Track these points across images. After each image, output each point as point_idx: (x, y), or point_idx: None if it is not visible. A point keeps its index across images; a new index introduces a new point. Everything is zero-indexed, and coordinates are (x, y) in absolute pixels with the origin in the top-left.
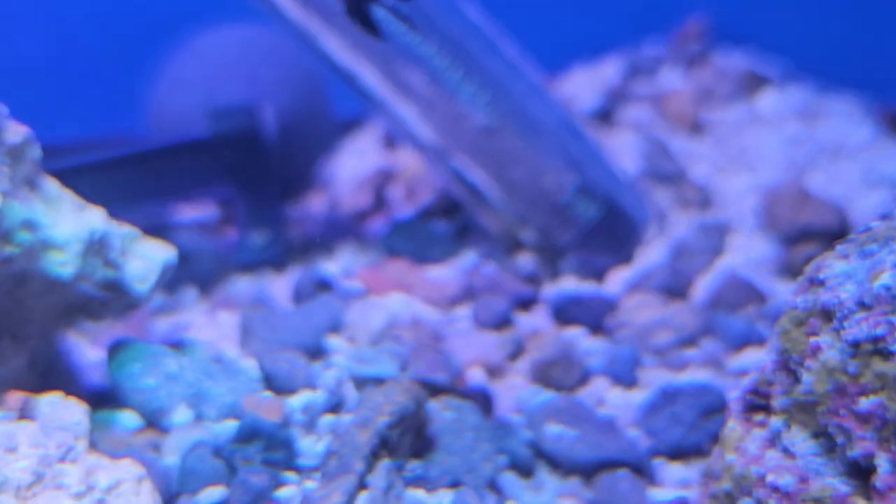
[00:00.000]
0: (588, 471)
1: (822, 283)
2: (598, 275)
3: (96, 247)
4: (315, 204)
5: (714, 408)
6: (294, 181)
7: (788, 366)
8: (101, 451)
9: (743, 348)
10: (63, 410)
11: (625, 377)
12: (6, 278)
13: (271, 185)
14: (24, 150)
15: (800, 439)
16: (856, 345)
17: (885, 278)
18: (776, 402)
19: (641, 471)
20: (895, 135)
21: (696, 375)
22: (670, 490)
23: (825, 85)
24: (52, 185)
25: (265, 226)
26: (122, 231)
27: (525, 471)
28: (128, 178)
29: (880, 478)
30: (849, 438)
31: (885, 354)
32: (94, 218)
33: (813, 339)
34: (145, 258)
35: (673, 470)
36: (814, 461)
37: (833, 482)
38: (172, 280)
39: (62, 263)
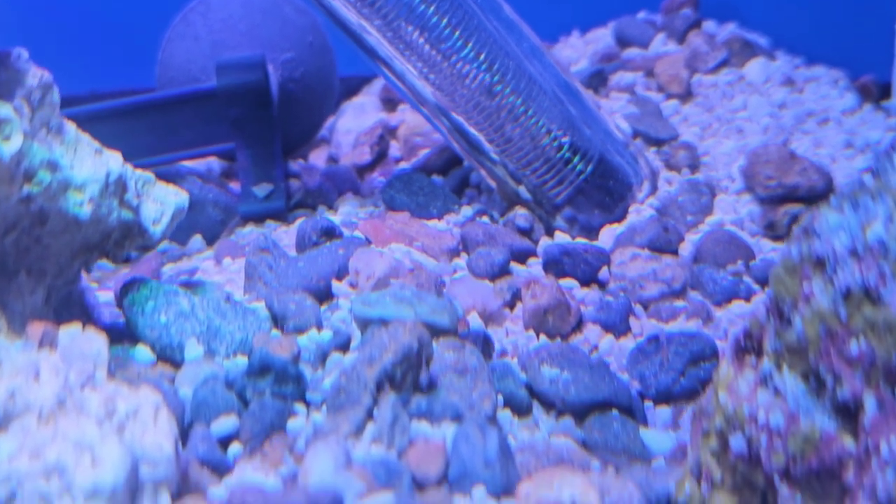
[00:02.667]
0: (581, 411)
1: (815, 233)
2: (592, 230)
3: (113, 188)
4: (317, 159)
5: (703, 355)
6: (297, 137)
7: (781, 311)
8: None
9: (730, 301)
10: (83, 341)
11: (617, 326)
12: (26, 216)
13: (275, 139)
14: (44, 93)
15: (790, 380)
16: (847, 291)
17: (877, 229)
18: (768, 346)
19: (633, 412)
20: (874, 102)
21: (684, 326)
22: (660, 431)
23: (811, 56)
24: (70, 128)
25: (268, 178)
26: (137, 174)
27: (521, 410)
28: (133, 129)
29: (867, 417)
30: (838, 380)
31: (875, 301)
32: (112, 161)
33: (805, 286)
34: (159, 201)
35: (662, 413)
36: (803, 401)
37: (822, 421)
38: (179, 229)
39: (80, 203)
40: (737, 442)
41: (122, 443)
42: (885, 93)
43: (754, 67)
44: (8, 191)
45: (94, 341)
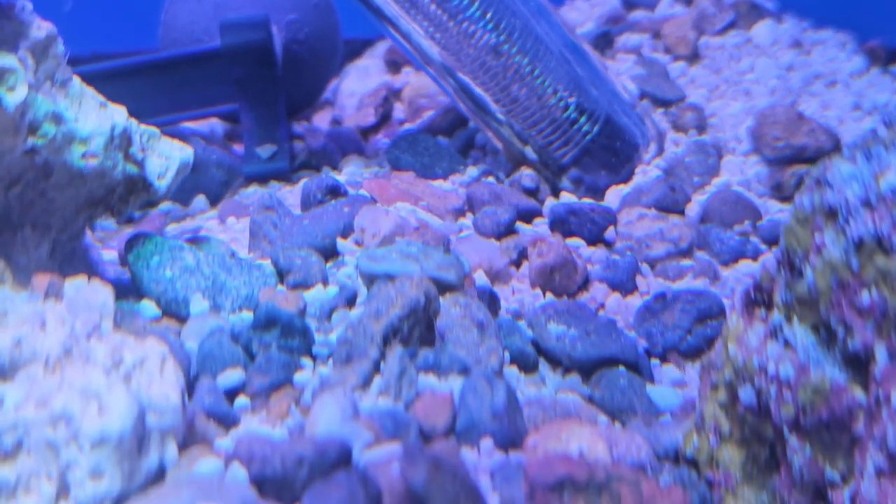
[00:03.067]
0: (588, 368)
1: (828, 183)
2: (598, 191)
3: (118, 142)
4: (321, 121)
5: (710, 313)
6: (301, 99)
7: (792, 263)
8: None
9: (736, 261)
10: (88, 292)
11: (623, 284)
12: (30, 169)
13: (279, 100)
14: (48, 45)
15: (801, 332)
16: (859, 242)
17: (890, 178)
18: (778, 298)
19: (639, 369)
20: (882, 66)
21: (691, 285)
22: (667, 388)
23: (819, 19)
24: (75, 81)
25: (272, 139)
26: (142, 129)
27: (527, 367)
28: (137, 90)
29: (878, 367)
30: (849, 331)
31: (888, 251)
32: (116, 114)
33: (817, 237)
34: (164, 156)
35: (669, 371)
36: (813, 352)
37: (832, 372)
38: (182, 190)
39: (85, 155)
40: (746, 394)
41: (129, 391)
42: (892, 57)
43: (762, 30)
44: (12, 142)
45: (100, 292)
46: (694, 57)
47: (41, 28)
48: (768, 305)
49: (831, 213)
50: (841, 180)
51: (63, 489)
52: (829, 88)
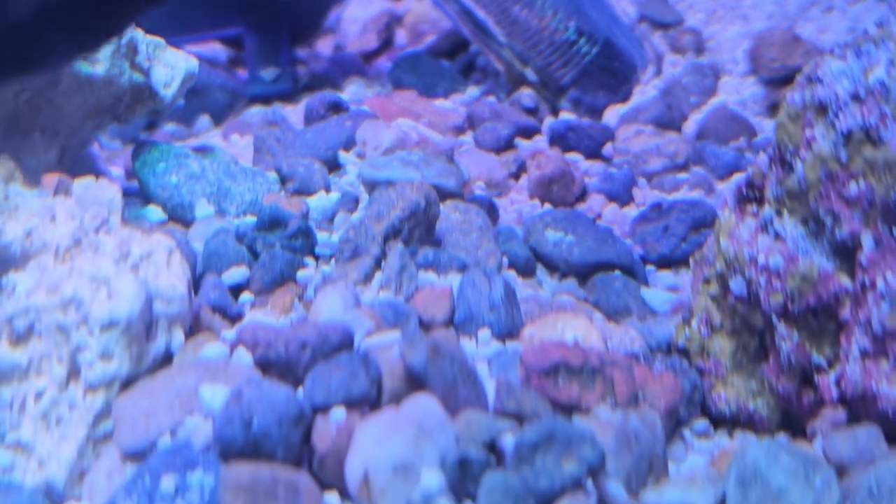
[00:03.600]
0: (584, 272)
1: (818, 80)
2: (596, 110)
3: (124, 50)
4: (324, 46)
5: (704, 221)
6: (304, 25)
7: (783, 158)
8: None
9: (731, 175)
10: (96, 189)
11: (620, 195)
12: (39, 75)
13: (282, 24)
14: None
15: (790, 225)
16: (848, 134)
17: (879, 73)
18: (769, 193)
19: (634, 274)
20: None
21: (687, 197)
22: (661, 291)
23: None
24: None
25: (275, 62)
26: (147, 39)
27: (525, 271)
28: (143, 13)
29: (865, 254)
30: (837, 220)
31: (876, 142)
32: None
33: (808, 132)
34: (170, 66)
35: (664, 276)
36: (802, 243)
37: (820, 261)
38: (186, 111)
39: (92, 63)
40: (737, 285)
41: (137, 278)
42: None
43: None
44: None
45: (108, 189)
46: None
47: None
48: (759, 201)
49: (822, 108)
50: (831, 76)
51: (74, 371)
52: (825, 14)
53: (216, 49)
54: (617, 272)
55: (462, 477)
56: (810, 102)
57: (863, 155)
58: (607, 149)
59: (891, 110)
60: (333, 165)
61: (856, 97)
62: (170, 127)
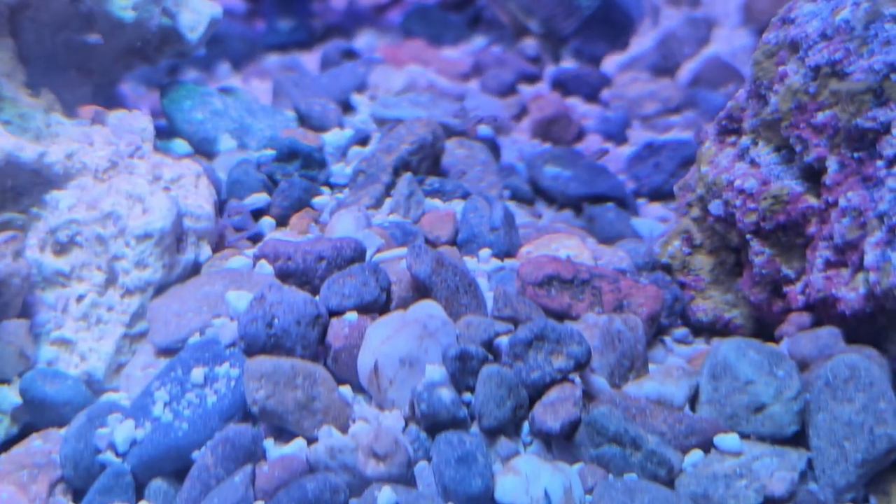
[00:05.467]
0: (580, 204)
1: (791, 21)
2: (596, 60)
3: None
4: (337, 1)
5: (692, 159)
6: None
7: (759, 92)
8: None
9: None
10: (130, 119)
11: (616, 135)
12: (75, 17)
13: None
14: None
15: (764, 152)
16: (817, 69)
17: (844, 13)
18: (746, 124)
19: (626, 205)
20: None
21: (678, 137)
22: (651, 220)
23: None
24: None
25: (291, 14)
26: None
27: (526, 202)
28: None
29: (829, 176)
30: (805, 146)
31: (841, 75)
32: None
33: (781, 68)
34: (195, 11)
35: (654, 208)
36: (775, 168)
37: (790, 184)
38: (206, 59)
39: (124, 7)
40: (715, 207)
41: (170, 196)
42: None
43: None
44: None
45: (141, 119)
46: None
47: None
48: (738, 132)
49: (794, 46)
50: (803, 17)
51: (112, 277)
52: None
53: (234, 2)
54: (610, 204)
55: (462, 370)
56: (784, 41)
57: (829, 87)
58: (605, 94)
59: (854, 46)
60: (347, 107)
61: (824, 35)
62: (191, 74)
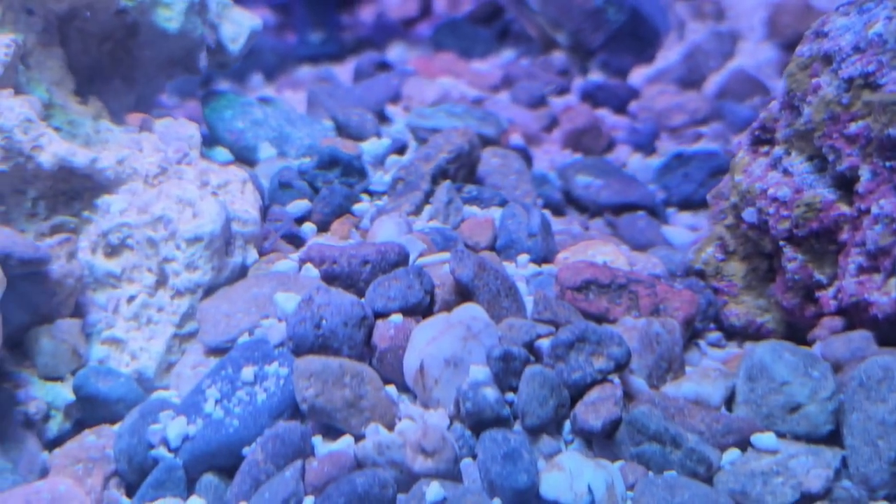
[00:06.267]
0: (611, 212)
1: (825, 34)
2: (623, 73)
3: (197, 7)
4: (367, 14)
5: (721, 169)
6: None
7: (792, 103)
8: None
9: (747, 129)
10: (177, 127)
11: (645, 146)
12: (120, 28)
13: None
14: None
15: (797, 162)
16: (850, 80)
17: (877, 27)
18: (779, 135)
19: (657, 214)
20: None
21: (705, 147)
22: (681, 229)
23: None
24: None
25: (323, 26)
26: None
27: (558, 210)
28: None
29: (862, 184)
30: (838, 156)
31: (873, 86)
32: None
33: (814, 80)
34: (236, 23)
35: (683, 217)
36: (808, 177)
37: (822, 192)
38: (240, 70)
39: (168, 18)
40: (749, 214)
41: (219, 201)
42: None
43: None
44: (107, 2)
45: (188, 127)
46: None
47: None
48: (770, 142)
49: (827, 59)
50: (836, 30)
51: (162, 279)
52: None
53: (265, 15)
54: (641, 212)
55: (505, 370)
56: (817, 53)
57: (862, 98)
58: (633, 106)
59: (887, 59)
60: (382, 117)
61: (857, 48)
62: (225, 85)
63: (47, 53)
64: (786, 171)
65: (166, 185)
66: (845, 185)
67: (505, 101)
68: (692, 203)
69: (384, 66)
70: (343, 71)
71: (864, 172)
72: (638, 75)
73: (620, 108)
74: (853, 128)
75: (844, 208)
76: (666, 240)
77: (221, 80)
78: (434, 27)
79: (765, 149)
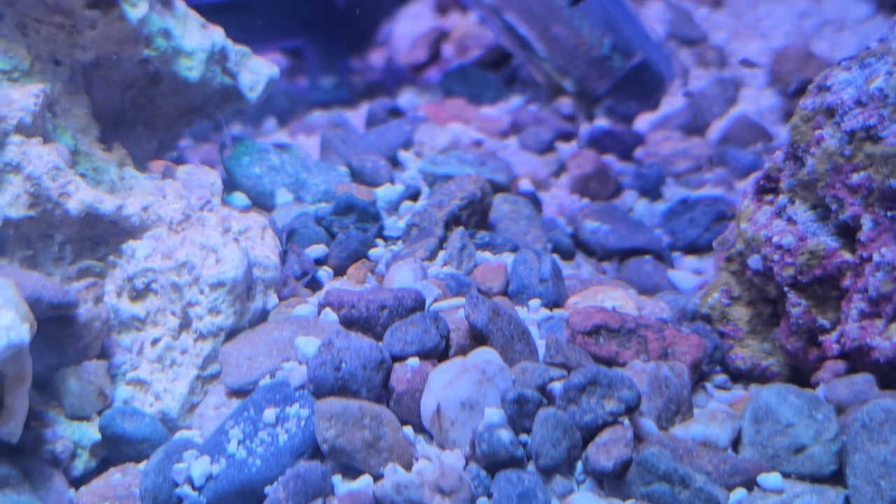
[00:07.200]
0: (618, 256)
1: (828, 88)
2: (628, 119)
3: (216, 57)
4: (376, 59)
5: (726, 214)
6: (358, 39)
7: (796, 154)
8: None
9: (750, 174)
10: (199, 174)
11: (651, 192)
12: (143, 77)
13: (339, 38)
14: None
15: (801, 210)
16: (852, 133)
17: (878, 82)
18: (783, 184)
19: (663, 258)
20: (888, 12)
21: (710, 193)
22: (687, 273)
23: None
24: (180, 4)
25: (334, 72)
26: (236, 47)
27: (566, 255)
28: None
29: (864, 233)
30: (841, 205)
31: (875, 139)
32: (216, 34)
33: (818, 132)
34: (254, 71)
35: (689, 261)
36: (811, 225)
37: (826, 240)
38: (254, 114)
39: (189, 68)
40: (754, 261)
41: (241, 247)
42: None
43: None
44: (132, 51)
45: (209, 175)
46: (717, 4)
47: None
48: (775, 191)
49: (830, 112)
50: (839, 85)
51: (186, 322)
52: (837, 33)
53: (278, 59)
54: (647, 257)
55: (519, 413)
56: (820, 107)
57: (864, 150)
58: (638, 152)
59: (888, 113)
60: (394, 163)
61: (859, 102)
62: (238, 128)
63: (73, 101)
64: (790, 220)
65: (190, 231)
66: (848, 233)
67: (514, 146)
68: (697, 247)
69: (396, 112)
70: (355, 116)
71: (866, 221)
72: (644, 121)
73: (626, 154)
74: (855, 178)
75: (847, 256)
76: (672, 283)
77: (235, 123)
78: (443, 72)
79: (769, 197)
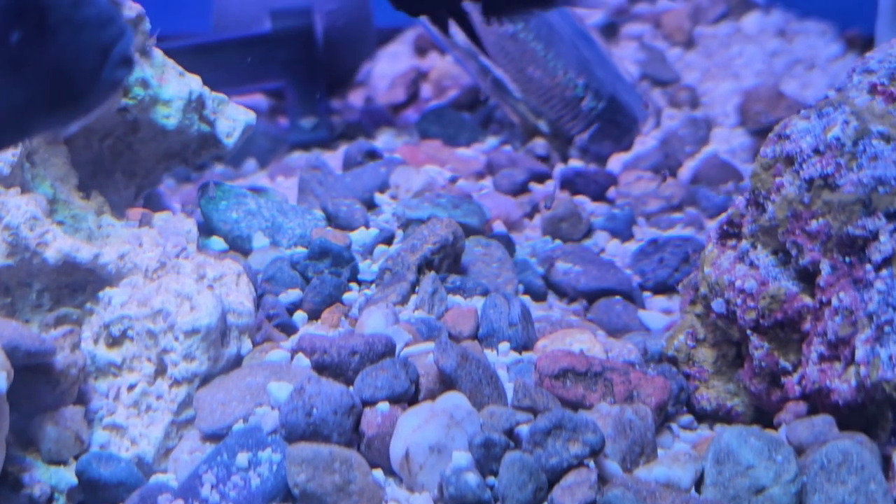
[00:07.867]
0: (589, 297)
1: (787, 136)
2: (602, 159)
3: (194, 105)
4: (356, 99)
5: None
6: (338, 79)
7: (757, 200)
8: None
9: (720, 215)
10: (175, 221)
11: (622, 232)
12: (121, 125)
13: (319, 79)
14: (138, 22)
15: (763, 255)
16: (810, 181)
17: (835, 131)
18: (746, 230)
19: (633, 299)
20: (857, 51)
21: (680, 233)
22: (656, 313)
23: (803, 11)
24: (158, 53)
25: (314, 112)
26: (213, 95)
27: (538, 296)
28: (192, 69)
29: (823, 278)
30: (800, 251)
31: (832, 187)
32: (193, 82)
33: (777, 179)
34: (231, 118)
35: (659, 301)
36: (772, 270)
37: (786, 284)
38: (234, 155)
39: (167, 115)
40: (718, 305)
41: (215, 295)
42: (868, 44)
43: (750, 20)
44: (110, 102)
45: (184, 222)
46: (689, 44)
47: (132, 8)
48: (738, 236)
49: (789, 160)
50: (797, 133)
51: (161, 369)
52: (808, 72)
53: (258, 100)
54: (618, 297)
55: (486, 456)
56: (780, 155)
57: (822, 198)
58: (611, 192)
59: (844, 161)
60: (370, 206)
61: (816, 150)
62: (219, 168)
63: (52, 151)
64: (752, 265)
65: (165, 279)
66: (807, 278)
67: (489, 187)
68: (667, 287)
69: (373, 154)
70: (333, 158)
71: (825, 267)
72: (617, 161)
73: (599, 195)
74: (814, 225)
75: (807, 300)
76: (643, 324)
77: (214, 164)
78: (421, 114)
79: (732, 242)
